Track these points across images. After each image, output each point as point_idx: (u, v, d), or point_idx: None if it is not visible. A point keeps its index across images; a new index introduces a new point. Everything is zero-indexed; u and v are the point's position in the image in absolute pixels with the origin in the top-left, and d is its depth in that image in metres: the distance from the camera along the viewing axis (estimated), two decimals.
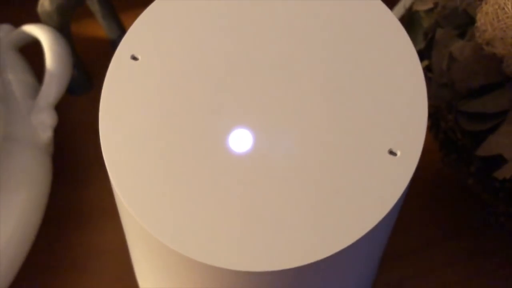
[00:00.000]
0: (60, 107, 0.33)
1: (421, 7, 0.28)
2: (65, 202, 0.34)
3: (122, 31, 0.39)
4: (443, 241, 0.35)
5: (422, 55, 0.28)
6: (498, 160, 0.26)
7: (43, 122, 0.31)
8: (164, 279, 0.21)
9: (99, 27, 0.39)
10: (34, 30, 0.33)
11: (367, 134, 0.18)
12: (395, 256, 0.33)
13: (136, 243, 0.21)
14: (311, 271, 0.17)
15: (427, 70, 0.29)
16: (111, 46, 0.40)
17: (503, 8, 0.24)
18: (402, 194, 0.18)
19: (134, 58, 0.20)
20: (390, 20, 0.20)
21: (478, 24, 0.25)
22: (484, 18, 0.25)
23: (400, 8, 0.35)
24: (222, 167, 0.18)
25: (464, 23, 0.27)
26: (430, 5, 0.28)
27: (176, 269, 0.19)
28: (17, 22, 0.35)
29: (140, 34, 0.20)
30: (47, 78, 0.31)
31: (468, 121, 0.27)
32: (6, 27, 0.34)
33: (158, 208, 0.18)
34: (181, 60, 0.20)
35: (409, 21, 0.30)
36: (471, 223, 0.35)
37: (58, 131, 0.33)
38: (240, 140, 0.19)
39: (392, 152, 0.18)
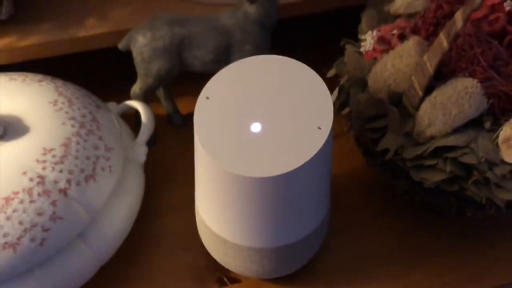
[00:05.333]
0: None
1: (343, 79, 0.54)
2: (152, 203, 0.57)
3: (175, 107, 0.64)
4: (373, 219, 0.57)
5: (345, 104, 0.53)
6: (387, 152, 0.50)
7: (140, 152, 0.55)
8: (208, 187, 0.44)
9: (160, 105, 0.64)
10: (133, 104, 0.57)
11: (309, 120, 0.43)
12: (340, 228, 0.56)
13: (201, 171, 0.44)
14: (283, 181, 0.42)
15: (350, 112, 0.54)
16: (167, 117, 0.64)
17: (382, 72, 0.49)
18: (323, 146, 0.42)
19: (207, 98, 0.44)
20: (318, 81, 0.45)
21: (369, 84, 0.51)
22: (371, 80, 0.50)
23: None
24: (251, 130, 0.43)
25: (364, 84, 0.52)
26: (346, 77, 0.53)
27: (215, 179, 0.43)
28: (118, 100, 0.60)
29: (209, 88, 0.45)
30: (142, 128, 0.56)
31: (371, 134, 0.51)
32: (112, 103, 0.59)
33: (222, 148, 0.42)
34: (228, 99, 0.45)
35: (340, 87, 0.55)
36: (394, 204, 0.57)
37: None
38: (256, 122, 0.43)
39: (319, 127, 0.42)
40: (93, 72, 0.65)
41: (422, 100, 0.48)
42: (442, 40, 0.46)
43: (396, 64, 0.48)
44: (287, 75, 0.45)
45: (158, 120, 0.65)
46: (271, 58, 0.46)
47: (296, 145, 0.43)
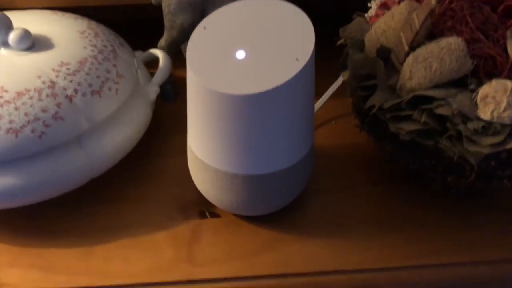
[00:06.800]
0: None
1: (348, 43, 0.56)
2: (157, 143, 0.61)
3: None
4: (363, 185, 0.58)
5: (345, 64, 0.56)
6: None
7: (152, 90, 0.60)
8: (194, 109, 0.48)
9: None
10: (155, 52, 0.63)
11: (289, 53, 0.46)
12: (328, 188, 0.57)
13: (190, 94, 0.48)
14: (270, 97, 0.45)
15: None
16: None
17: (375, 31, 0.51)
18: (298, 75, 0.45)
19: (204, 28, 0.48)
20: (307, 23, 0.48)
21: (366, 43, 0.53)
22: (366, 40, 0.53)
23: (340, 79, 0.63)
24: (236, 57, 0.47)
25: (362, 45, 0.54)
26: (348, 42, 0.56)
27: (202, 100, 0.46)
28: (144, 48, 0.65)
29: (208, 19, 0.49)
30: (158, 71, 0.61)
31: (362, 92, 0.53)
32: (138, 52, 0.65)
33: (207, 70, 0.46)
34: (222, 30, 0.49)
35: (345, 54, 0.58)
36: (387, 176, 0.58)
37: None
38: (241, 50, 0.47)
39: (297, 59, 0.45)
40: (130, 24, 0.72)
41: (407, 55, 0.49)
42: None
43: (388, 21, 0.51)
44: (280, 15, 0.49)
45: (182, 81, 0.70)
46: (270, 1, 0.51)
47: (273, 72, 0.46)
